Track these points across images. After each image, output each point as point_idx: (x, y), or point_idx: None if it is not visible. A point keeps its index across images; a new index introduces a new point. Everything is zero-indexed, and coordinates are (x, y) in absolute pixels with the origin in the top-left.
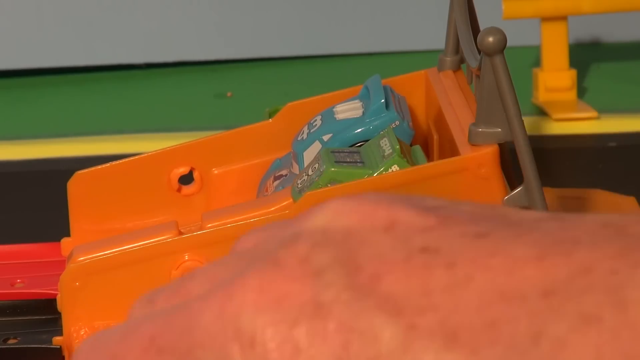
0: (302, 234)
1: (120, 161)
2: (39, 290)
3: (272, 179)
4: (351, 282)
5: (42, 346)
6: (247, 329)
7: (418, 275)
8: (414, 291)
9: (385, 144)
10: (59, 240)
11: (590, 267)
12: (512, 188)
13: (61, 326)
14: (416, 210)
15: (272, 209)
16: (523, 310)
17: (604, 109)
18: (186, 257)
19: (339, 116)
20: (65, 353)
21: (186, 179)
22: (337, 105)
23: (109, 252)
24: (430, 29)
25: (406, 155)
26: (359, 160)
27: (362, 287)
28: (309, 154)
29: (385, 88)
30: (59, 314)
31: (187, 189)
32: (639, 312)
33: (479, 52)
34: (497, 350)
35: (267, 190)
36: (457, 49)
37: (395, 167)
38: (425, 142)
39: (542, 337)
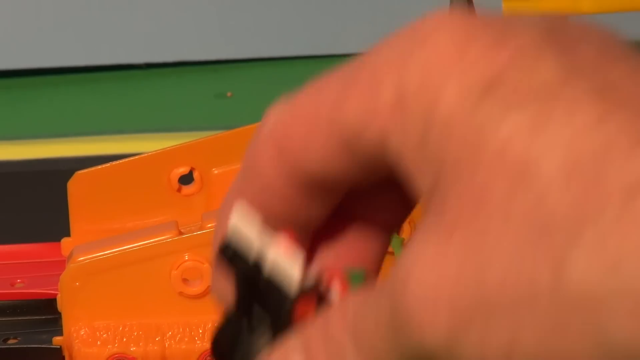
0: None
1: (120, 161)
2: (39, 290)
3: None
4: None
5: (42, 346)
6: (423, 32)
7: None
8: (591, 55)
9: None
10: (59, 240)
11: None
12: None
13: (61, 326)
14: None
15: None
16: None
17: None
18: (186, 257)
19: None
20: (65, 353)
21: (186, 179)
22: None
23: (109, 252)
24: None
25: None
26: None
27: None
28: None
29: None
30: (59, 314)
31: (187, 189)
32: None
33: None
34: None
35: None
36: None
37: None
38: None
39: None
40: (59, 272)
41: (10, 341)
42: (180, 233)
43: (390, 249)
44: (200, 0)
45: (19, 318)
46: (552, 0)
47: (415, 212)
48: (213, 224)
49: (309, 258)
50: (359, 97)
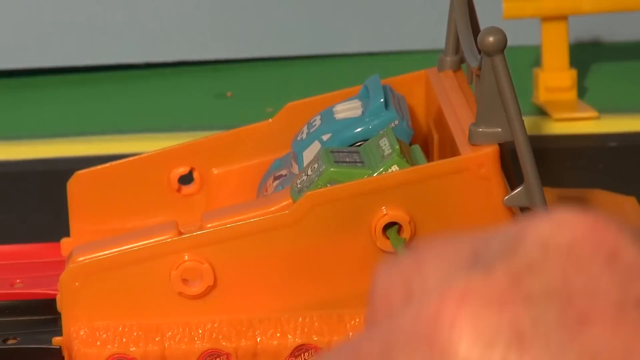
0: (522, 244)
1: (120, 161)
2: (39, 290)
3: (272, 179)
4: (559, 319)
5: (42, 346)
6: (442, 339)
7: (625, 332)
8: (615, 349)
9: (385, 144)
10: (59, 240)
11: None
12: (512, 188)
13: (61, 326)
14: None
15: (272, 209)
16: None
17: (604, 109)
18: (186, 257)
19: (339, 116)
20: (65, 353)
21: (186, 179)
22: (337, 105)
23: (109, 252)
24: (430, 29)
25: (406, 156)
26: (358, 160)
27: (568, 329)
28: (309, 154)
29: (384, 87)
30: (59, 314)
31: (187, 189)
32: None
33: (479, 52)
34: None
35: (266, 190)
36: (457, 49)
37: (395, 167)
38: (425, 142)
39: None
40: (58, 272)
41: (10, 341)
42: (180, 233)
43: (391, 249)
44: (201, 0)
45: (19, 318)
46: (552, 0)
47: (417, 212)
48: (213, 224)
49: None
50: None
